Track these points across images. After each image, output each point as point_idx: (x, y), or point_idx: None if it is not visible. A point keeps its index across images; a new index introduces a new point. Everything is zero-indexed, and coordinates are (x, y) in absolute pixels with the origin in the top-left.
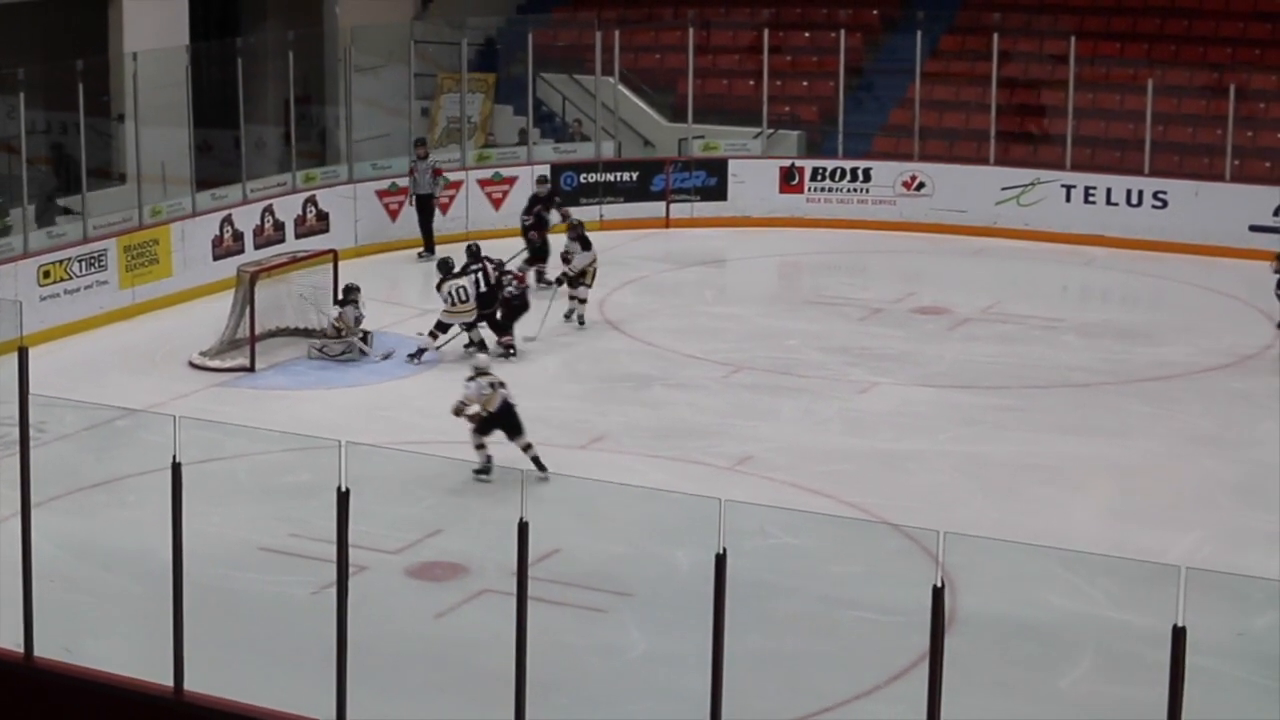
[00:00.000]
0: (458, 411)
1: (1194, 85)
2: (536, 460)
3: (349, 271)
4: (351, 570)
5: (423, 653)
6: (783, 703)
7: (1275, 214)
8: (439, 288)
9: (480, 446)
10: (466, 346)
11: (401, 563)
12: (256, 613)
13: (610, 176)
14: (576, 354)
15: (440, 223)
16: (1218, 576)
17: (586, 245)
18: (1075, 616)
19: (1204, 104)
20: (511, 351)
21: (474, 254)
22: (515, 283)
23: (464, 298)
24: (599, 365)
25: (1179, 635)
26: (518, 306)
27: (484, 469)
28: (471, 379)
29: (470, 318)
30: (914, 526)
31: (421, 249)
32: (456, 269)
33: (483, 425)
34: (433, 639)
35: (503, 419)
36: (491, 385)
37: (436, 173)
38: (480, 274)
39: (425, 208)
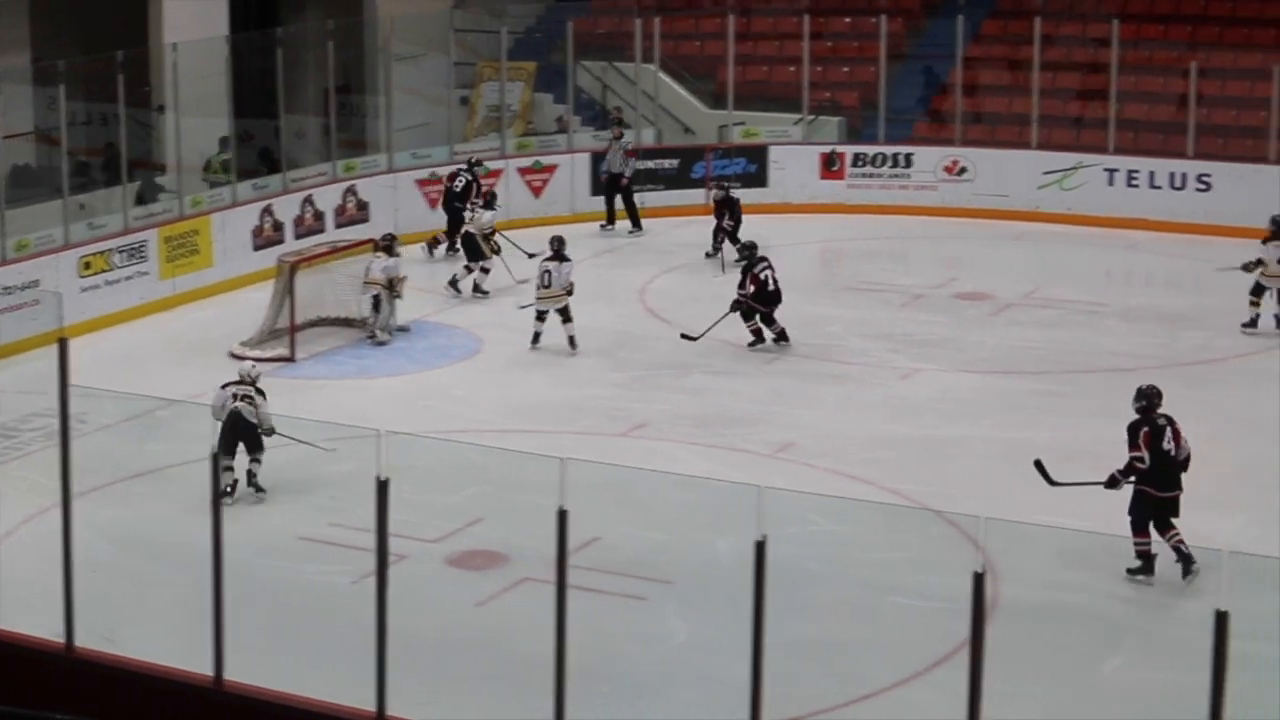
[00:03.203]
0: None
1: (1238, 67)
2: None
3: None
4: (391, 559)
5: (463, 641)
6: (824, 689)
7: None
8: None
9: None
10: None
11: (442, 551)
12: (297, 602)
13: (651, 164)
14: (618, 341)
15: None
16: (1263, 561)
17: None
18: (1118, 602)
19: (1248, 86)
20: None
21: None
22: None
23: (547, 283)
24: (640, 353)
25: (1222, 620)
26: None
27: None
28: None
29: (558, 304)
30: (956, 513)
31: (603, 221)
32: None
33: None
34: (473, 628)
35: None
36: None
37: (630, 153)
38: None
39: (614, 186)
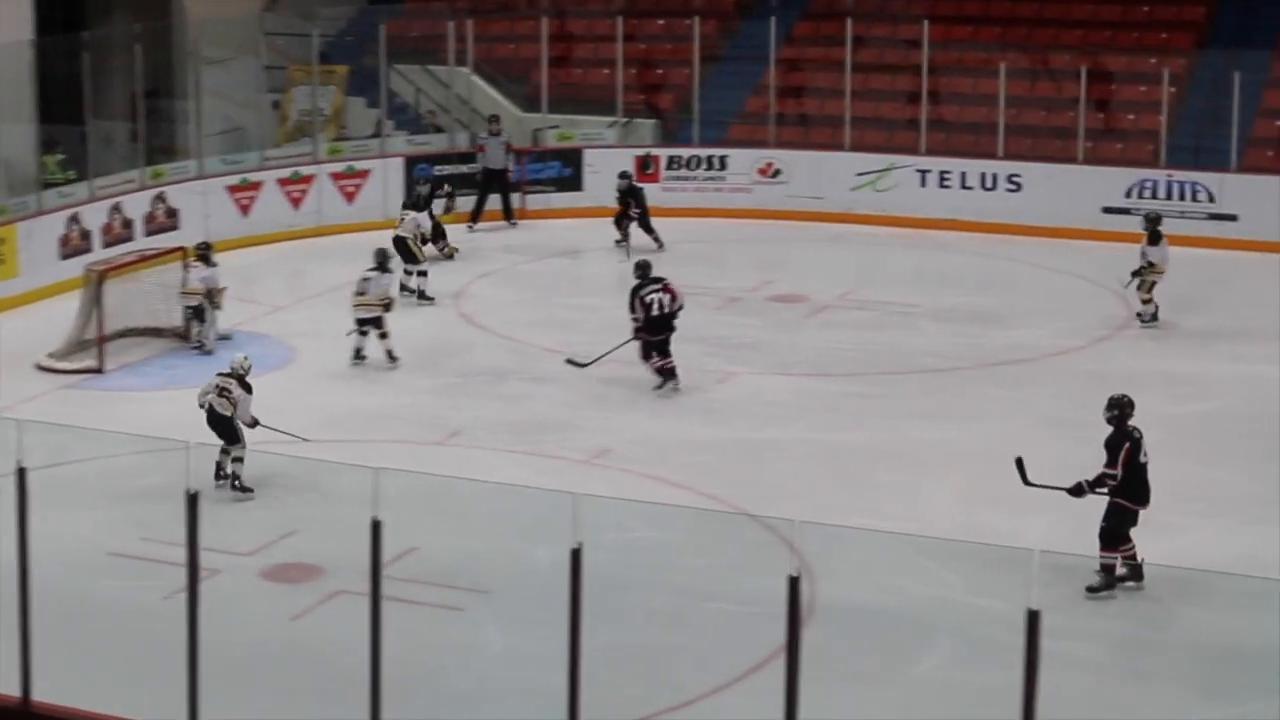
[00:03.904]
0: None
1: (1046, 68)
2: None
3: None
4: (204, 574)
5: (278, 656)
6: (641, 697)
7: (1127, 196)
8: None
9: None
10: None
11: (255, 565)
12: (107, 618)
13: (463, 168)
14: (432, 348)
15: (292, 217)
16: (1071, 559)
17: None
18: (932, 602)
19: (1056, 87)
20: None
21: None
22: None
23: (362, 291)
24: (454, 359)
25: (1034, 619)
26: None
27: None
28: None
29: (372, 314)
30: (772, 516)
31: (469, 222)
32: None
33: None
34: (288, 642)
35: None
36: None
37: (510, 148)
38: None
39: (498, 181)
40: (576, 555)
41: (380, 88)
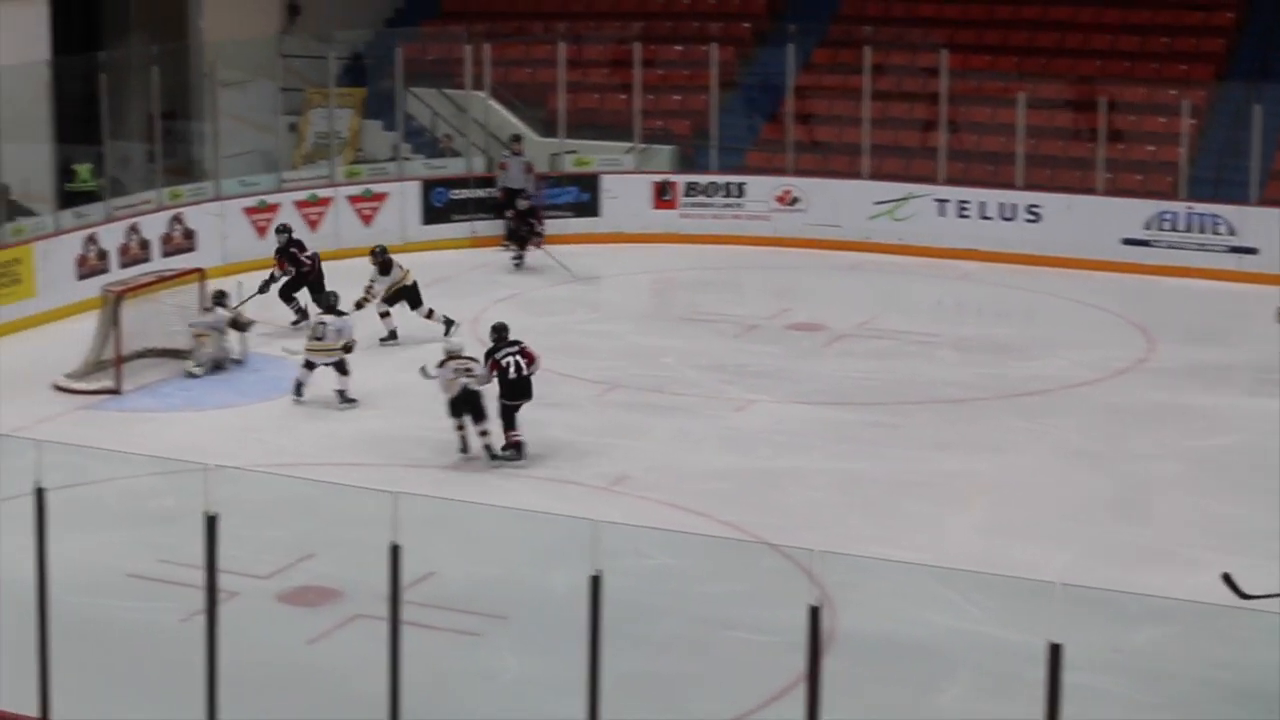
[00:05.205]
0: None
1: (1065, 98)
2: (488, 448)
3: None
4: (221, 596)
5: (295, 680)
6: None
7: (1146, 228)
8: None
9: (459, 428)
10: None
11: (273, 588)
12: (125, 640)
13: (481, 192)
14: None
15: (310, 240)
16: (1093, 592)
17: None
18: (953, 634)
19: (1075, 117)
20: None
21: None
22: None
23: (320, 335)
24: None
25: (1055, 652)
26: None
27: (462, 448)
28: (442, 363)
29: (331, 358)
30: (791, 545)
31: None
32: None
33: (452, 408)
34: (305, 666)
35: (468, 403)
36: (456, 371)
37: (530, 168)
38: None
39: (511, 203)
40: (596, 582)
41: (397, 111)
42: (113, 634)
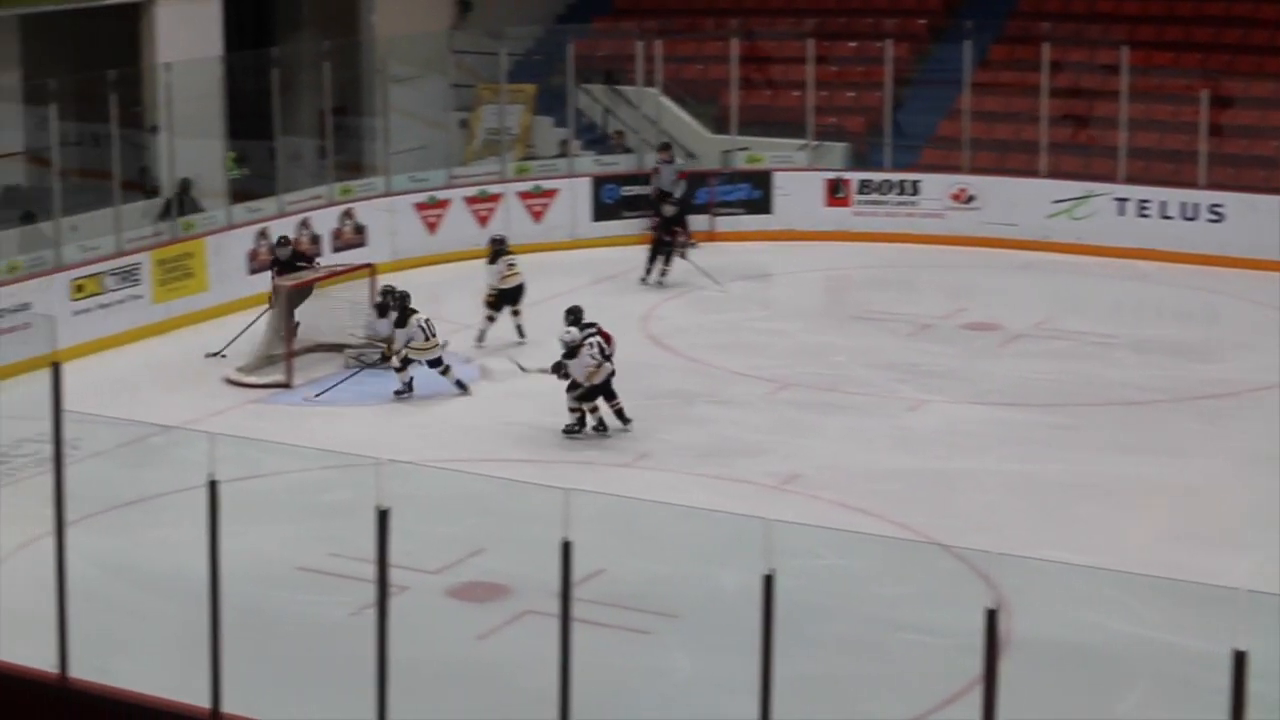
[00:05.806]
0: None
1: (1249, 95)
2: (620, 412)
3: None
4: (392, 590)
5: (464, 675)
6: None
7: None
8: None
9: (593, 410)
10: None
11: (442, 583)
12: (295, 633)
13: (647, 189)
14: (620, 370)
15: (479, 236)
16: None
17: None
18: (1132, 640)
19: (1260, 115)
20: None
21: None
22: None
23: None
24: (642, 382)
25: (1240, 660)
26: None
27: (599, 426)
28: (566, 356)
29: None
30: (965, 547)
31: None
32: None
33: (591, 394)
34: (474, 661)
35: (603, 388)
36: (593, 358)
37: (681, 175)
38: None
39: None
40: (769, 582)
41: (568, 107)
42: (283, 627)
